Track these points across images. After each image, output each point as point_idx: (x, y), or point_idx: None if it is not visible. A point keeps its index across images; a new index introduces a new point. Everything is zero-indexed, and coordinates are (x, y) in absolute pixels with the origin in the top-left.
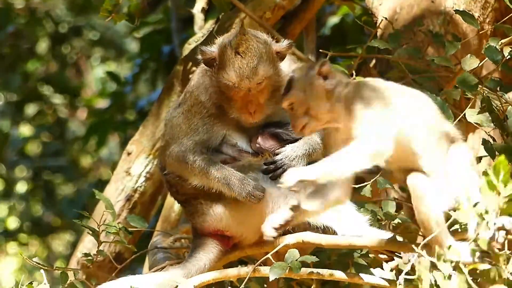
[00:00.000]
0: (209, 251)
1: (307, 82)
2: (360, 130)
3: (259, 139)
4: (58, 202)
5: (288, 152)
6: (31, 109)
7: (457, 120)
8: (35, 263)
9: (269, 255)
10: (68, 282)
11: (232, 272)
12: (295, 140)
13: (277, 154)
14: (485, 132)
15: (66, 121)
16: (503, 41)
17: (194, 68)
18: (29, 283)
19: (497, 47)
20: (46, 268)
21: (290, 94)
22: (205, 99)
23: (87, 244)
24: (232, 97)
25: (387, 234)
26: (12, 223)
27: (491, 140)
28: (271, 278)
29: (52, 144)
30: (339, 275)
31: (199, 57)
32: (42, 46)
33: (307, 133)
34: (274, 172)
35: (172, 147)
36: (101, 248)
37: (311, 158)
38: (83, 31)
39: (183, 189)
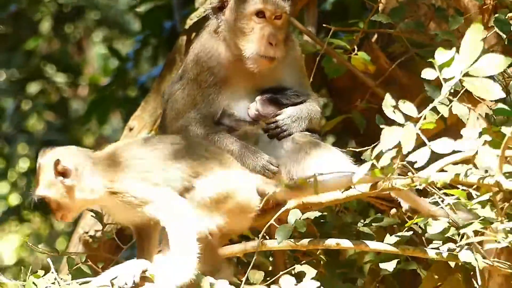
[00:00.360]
0: None
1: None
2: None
3: (258, 105)
4: None
5: (290, 112)
6: (33, 88)
7: (459, 94)
8: (40, 249)
9: (272, 221)
10: (76, 266)
11: (238, 247)
12: (295, 104)
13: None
14: (487, 106)
15: (68, 99)
16: (510, 14)
17: None
18: (35, 273)
19: (505, 18)
20: (51, 254)
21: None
22: (214, 63)
23: (89, 221)
24: (252, 30)
25: None
26: (14, 200)
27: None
28: (279, 241)
29: (54, 122)
30: (345, 244)
31: (209, 5)
32: (45, 25)
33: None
34: (274, 130)
35: (180, 123)
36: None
37: (311, 124)
38: (85, 11)
39: None
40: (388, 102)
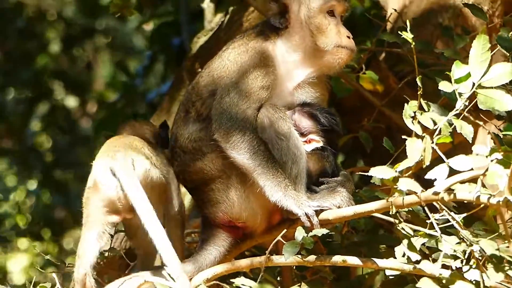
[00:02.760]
0: (220, 244)
1: None
2: None
3: (296, 116)
4: (69, 199)
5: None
6: (42, 108)
7: (466, 110)
8: (47, 258)
9: (279, 237)
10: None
11: (245, 263)
12: (331, 127)
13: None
14: (495, 126)
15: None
16: None
17: (199, 70)
18: (41, 285)
19: (508, 36)
20: (57, 263)
21: None
22: (271, 63)
23: None
24: (328, 26)
25: None
26: (23, 219)
27: (500, 134)
28: (286, 258)
29: (63, 140)
30: (352, 261)
31: (269, 15)
32: (54, 48)
33: None
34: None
35: (233, 109)
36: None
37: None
38: (94, 34)
39: (190, 176)
40: (407, 111)
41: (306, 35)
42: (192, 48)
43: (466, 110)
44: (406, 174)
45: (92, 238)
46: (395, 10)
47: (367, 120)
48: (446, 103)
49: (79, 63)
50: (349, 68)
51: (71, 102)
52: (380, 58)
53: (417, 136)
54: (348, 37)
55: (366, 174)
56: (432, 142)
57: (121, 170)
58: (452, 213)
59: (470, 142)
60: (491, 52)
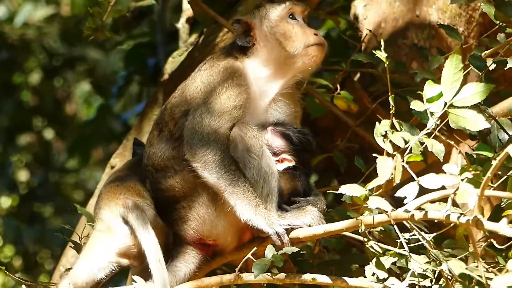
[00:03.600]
0: (190, 261)
1: None
2: None
3: (268, 135)
4: (45, 232)
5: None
6: (21, 140)
7: (437, 129)
8: (18, 278)
9: (249, 255)
10: None
11: (215, 280)
12: (303, 147)
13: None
14: (469, 146)
15: (52, 148)
16: (486, 52)
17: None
18: None
19: (480, 56)
20: (29, 283)
21: None
22: (244, 82)
23: (70, 258)
24: (293, 30)
25: None
26: None
27: (473, 154)
28: (256, 276)
29: (39, 172)
30: (321, 279)
31: (235, 34)
32: (35, 77)
33: None
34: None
35: (204, 127)
36: None
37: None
38: (75, 64)
39: (162, 194)
40: (378, 130)
41: (274, 46)
42: (167, 68)
43: (438, 129)
44: (376, 193)
45: (94, 267)
46: (370, 31)
47: (341, 140)
48: (419, 123)
49: (60, 93)
50: (324, 88)
51: (49, 134)
52: (354, 78)
53: (388, 154)
54: (316, 34)
55: (337, 192)
56: (403, 161)
57: (135, 220)
58: (422, 232)
59: (442, 161)
60: (463, 72)
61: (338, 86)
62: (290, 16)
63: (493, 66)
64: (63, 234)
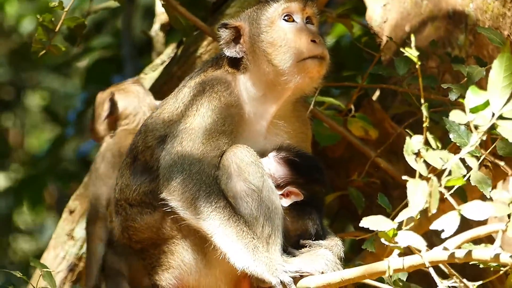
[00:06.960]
0: None
1: None
2: None
3: (270, 163)
4: None
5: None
6: None
7: (481, 158)
8: None
9: None
10: None
11: None
12: (314, 178)
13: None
14: None
15: None
16: None
17: None
18: None
19: None
20: None
21: None
22: (233, 99)
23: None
24: (284, 37)
25: None
26: None
27: None
28: None
29: None
30: None
31: (221, 42)
32: None
33: None
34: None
35: (181, 165)
36: None
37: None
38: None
39: (137, 234)
40: (409, 147)
41: (262, 60)
42: None
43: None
44: (407, 227)
45: None
46: (390, 38)
47: (357, 174)
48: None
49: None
50: (335, 110)
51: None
52: (373, 97)
53: (422, 177)
54: (314, 41)
55: (357, 237)
56: (440, 185)
57: None
58: (464, 280)
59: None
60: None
61: (353, 107)
62: (285, 18)
63: None
64: None
